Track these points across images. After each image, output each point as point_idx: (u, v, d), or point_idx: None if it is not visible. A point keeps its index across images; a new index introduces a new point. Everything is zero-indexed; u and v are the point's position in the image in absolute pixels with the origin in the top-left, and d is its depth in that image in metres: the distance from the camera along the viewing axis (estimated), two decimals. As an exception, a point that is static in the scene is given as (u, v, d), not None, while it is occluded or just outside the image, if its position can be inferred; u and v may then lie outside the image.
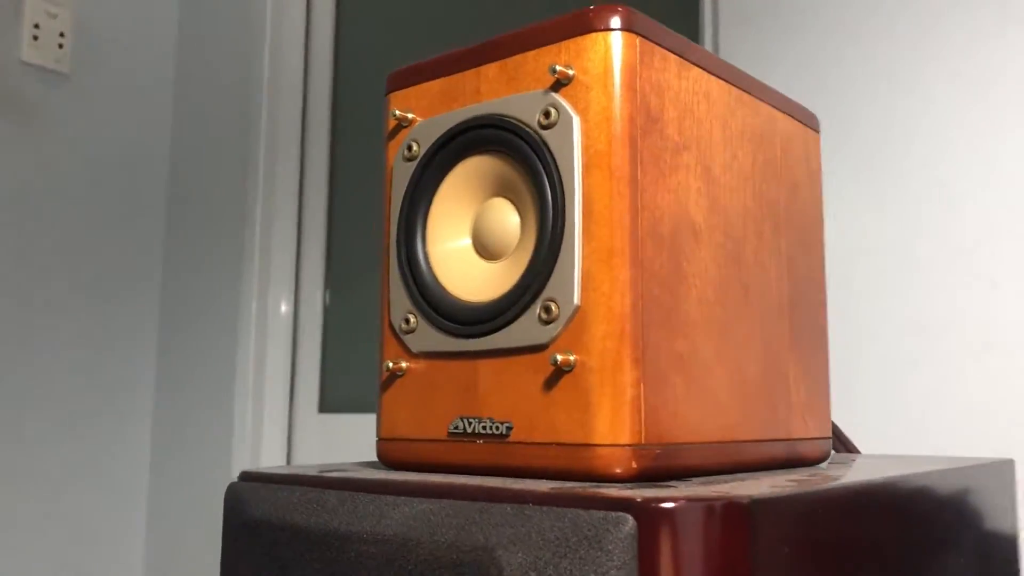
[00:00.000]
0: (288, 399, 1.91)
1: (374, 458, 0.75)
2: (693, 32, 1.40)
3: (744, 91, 0.64)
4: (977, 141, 1.05)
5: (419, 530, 0.47)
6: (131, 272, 1.96)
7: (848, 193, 1.12)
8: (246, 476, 0.61)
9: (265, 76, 1.90)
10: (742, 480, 0.54)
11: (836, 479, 0.57)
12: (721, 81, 0.62)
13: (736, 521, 0.44)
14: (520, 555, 0.43)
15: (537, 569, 0.43)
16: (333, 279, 1.91)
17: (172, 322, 1.97)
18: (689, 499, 0.43)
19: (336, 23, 1.99)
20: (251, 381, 1.84)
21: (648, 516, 0.43)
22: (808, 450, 0.67)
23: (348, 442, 1.80)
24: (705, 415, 0.56)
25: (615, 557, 0.42)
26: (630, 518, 0.42)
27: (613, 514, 0.43)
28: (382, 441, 0.62)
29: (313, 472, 0.59)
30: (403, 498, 0.50)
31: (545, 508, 0.45)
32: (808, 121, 0.72)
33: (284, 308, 1.91)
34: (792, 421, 0.66)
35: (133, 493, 1.92)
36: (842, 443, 0.87)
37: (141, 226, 1.98)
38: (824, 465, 0.69)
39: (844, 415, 1.00)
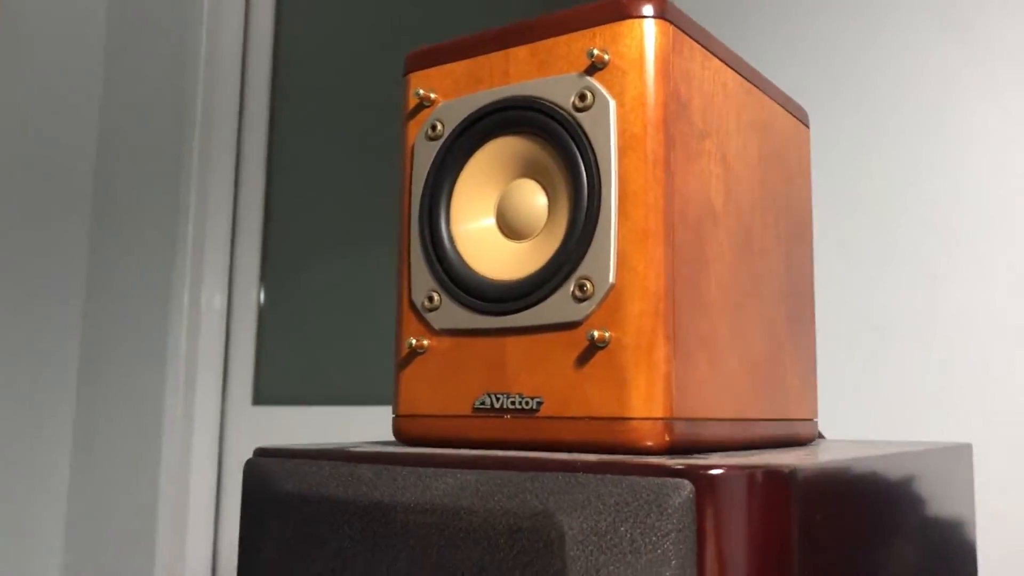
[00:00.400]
0: (221, 391, 1.87)
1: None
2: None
3: (753, 84, 0.67)
4: (946, 146, 1.11)
5: (469, 499, 0.48)
6: (55, 263, 1.89)
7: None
8: (263, 452, 0.60)
9: (201, 60, 1.86)
10: (760, 454, 0.56)
11: (845, 456, 0.60)
12: (735, 73, 0.64)
13: (779, 487, 0.46)
14: (580, 519, 0.45)
15: (597, 533, 0.44)
16: (269, 272, 1.89)
17: (99, 312, 1.91)
18: (739, 467, 0.45)
19: (277, 7, 1.96)
20: (182, 373, 1.80)
21: (705, 482, 0.44)
22: (802, 430, 0.70)
23: (282, 435, 1.78)
24: (723, 393, 0.59)
25: (675, 520, 0.43)
26: (688, 483, 0.44)
27: (672, 480, 0.44)
28: (400, 418, 0.62)
29: (334, 447, 0.59)
30: (445, 469, 0.51)
31: (599, 476, 0.46)
32: (801, 116, 0.76)
33: (217, 300, 1.87)
34: (789, 402, 0.69)
35: (53, 487, 1.85)
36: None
37: (66, 216, 1.91)
38: (815, 444, 0.73)
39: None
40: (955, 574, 0.77)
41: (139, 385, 1.82)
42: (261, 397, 1.86)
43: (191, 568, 1.76)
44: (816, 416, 0.74)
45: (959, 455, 0.84)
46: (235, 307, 1.89)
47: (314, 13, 1.92)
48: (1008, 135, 1.06)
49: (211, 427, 1.84)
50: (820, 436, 0.89)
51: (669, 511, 0.43)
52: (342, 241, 1.79)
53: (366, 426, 1.65)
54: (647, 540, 0.43)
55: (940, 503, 0.75)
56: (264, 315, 1.88)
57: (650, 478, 0.45)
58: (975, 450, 1.03)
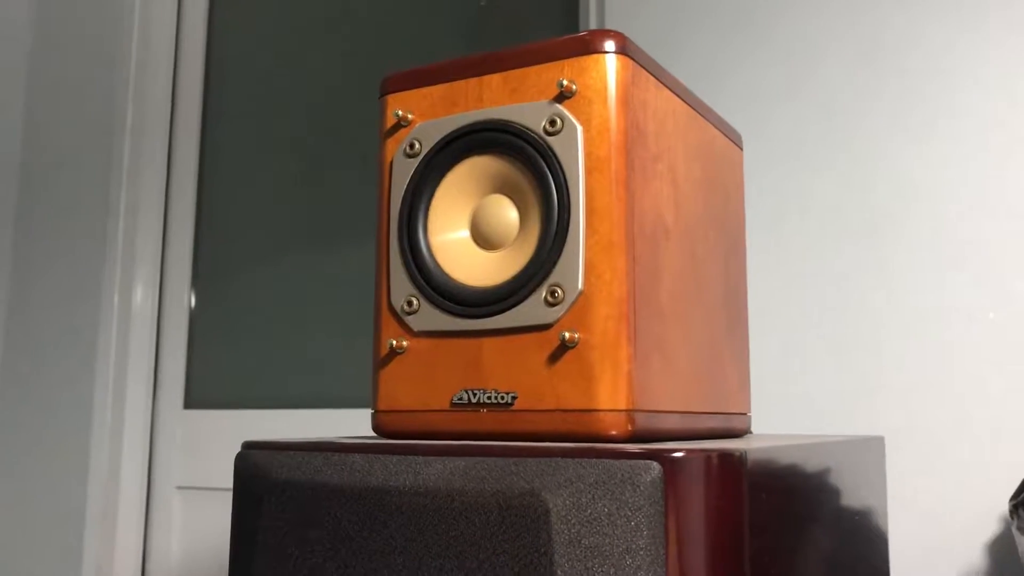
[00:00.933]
0: (151, 395, 1.87)
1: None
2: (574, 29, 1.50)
3: (696, 111, 0.74)
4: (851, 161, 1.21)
5: (459, 482, 0.54)
6: (-15, 260, 1.86)
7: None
8: (252, 445, 0.65)
9: (132, 58, 1.86)
10: (708, 443, 0.64)
11: (778, 444, 0.68)
12: (682, 101, 0.72)
13: (732, 468, 0.54)
14: (562, 497, 0.51)
15: (579, 508, 0.50)
16: (201, 274, 1.90)
17: (24, 314, 1.89)
18: (699, 450, 0.52)
19: (209, 5, 1.97)
20: (111, 376, 1.80)
21: (670, 463, 0.51)
22: (737, 423, 0.78)
23: (214, 439, 1.79)
24: (674, 389, 0.66)
25: (647, 496, 0.50)
26: (657, 464, 0.51)
27: (643, 462, 0.51)
28: (380, 413, 0.67)
29: (323, 440, 0.64)
30: (434, 457, 0.56)
31: (577, 459, 0.52)
32: (736, 139, 0.84)
33: (148, 301, 1.87)
34: (728, 397, 0.76)
35: (-18, 492, 1.83)
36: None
37: (-4, 212, 1.89)
38: (748, 436, 0.81)
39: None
40: (869, 552, 0.86)
41: (67, 389, 1.81)
42: (192, 401, 1.87)
43: (119, 574, 1.75)
44: (749, 410, 0.82)
45: (872, 447, 0.93)
46: (166, 309, 1.89)
47: (246, 12, 1.94)
48: (921, 147, 1.17)
49: (141, 431, 1.84)
50: (750, 429, 0.98)
51: (641, 488, 0.50)
52: (274, 243, 1.82)
53: (300, 430, 1.68)
54: (622, 513, 0.50)
55: (856, 490, 0.84)
56: (195, 317, 1.89)
57: (623, 460, 0.51)
58: (887, 441, 1.13)
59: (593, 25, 1.41)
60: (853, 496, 0.82)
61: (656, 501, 0.50)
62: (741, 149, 0.85)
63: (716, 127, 0.79)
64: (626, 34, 1.34)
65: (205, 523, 1.76)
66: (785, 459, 0.63)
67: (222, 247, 1.88)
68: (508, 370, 0.62)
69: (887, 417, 1.14)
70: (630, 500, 0.50)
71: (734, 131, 0.84)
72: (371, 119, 1.68)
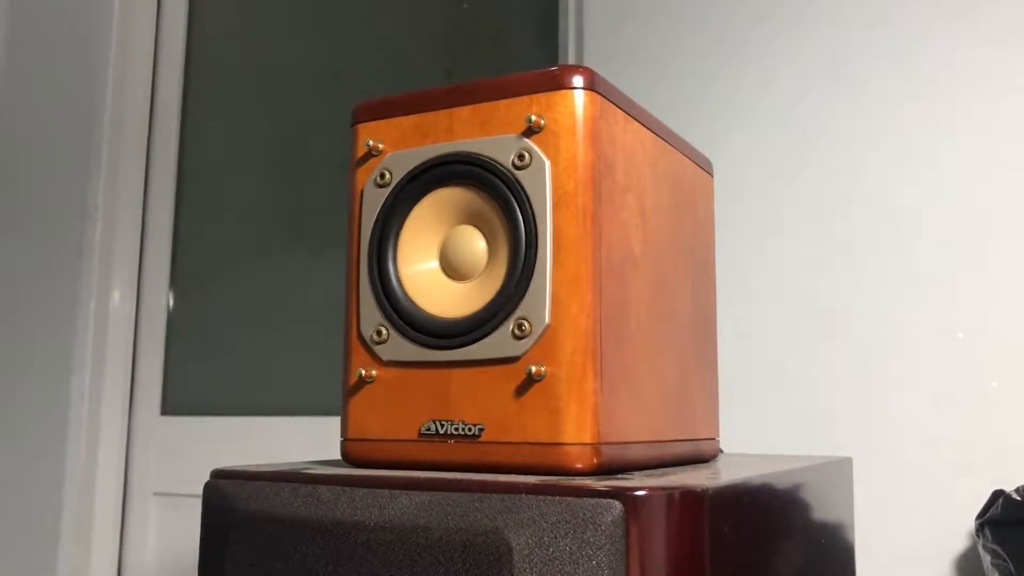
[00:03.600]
0: (128, 401, 1.87)
1: (232, 463, 0.80)
2: (553, 52, 1.51)
3: (664, 140, 0.75)
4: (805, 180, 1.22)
5: (425, 518, 0.54)
6: (-41, 265, 1.85)
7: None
8: (220, 474, 0.65)
9: (111, 60, 1.85)
10: (674, 472, 0.64)
11: (745, 473, 0.68)
12: (651, 132, 0.72)
13: (694, 504, 0.54)
14: (525, 535, 0.51)
15: (541, 547, 0.51)
16: (179, 278, 1.89)
17: (1, 318, 1.88)
18: (660, 488, 0.53)
19: (190, 6, 1.96)
20: (88, 382, 1.79)
21: (631, 502, 0.52)
22: (706, 448, 0.79)
23: (192, 445, 1.79)
24: (641, 419, 0.67)
25: (608, 535, 0.51)
26: (618, 503, 0.51)
27: (604, 500, 0.52)
28: (349, 441, 0.68)
29: (290, 469, 0.64)
30: (400, 491, 0.57)
31: (540, 496, 0.53)
32: (706, 166, 0.84)
33: (125, 306, 1.86)
34: (696, 423, 0.77)
35: (-44, 499, 1.82)
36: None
37: (-28, 217, 1.87)
38: (717, 461, 0.81)
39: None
40: (835, 573, 0.87)
41: (42, 394, 1.80)
42: (170, 407, 1.86)
43: (95, 581, 1.75)
44: (718, 435, 0.83)
45: (840, 468, 0.95)
46: (143, 314, 1.88)
47: (227, 14, 1.93)
48: (895, 171, 1.18)
49: (117, 438, 1.83)
50: (720, 451, 0.99)
51: (603, 527, 0.51)
52: (253, 248, 1.81)
53: (277, 437, 1.68)
54: (584, 553, 0.51)
55: (823, 512, 0.85)
56: (173, 323, 1.88)
57: (585, 499, 0.52)
58: (856, 461, 1.14)
59: (572, 41, 1.42)
60: (820, 518, 0.83)
61: (617, 540, 0.51)
62: (711, 175, 0.86)
63: (685, 155, 0.80)
64: (604, 51, 1.35)
65: (182, 530, 1.76)
66: (749, 489, 0.64)
67: (201, 252, 1.88)
68: (475, 402, 0.63)
69: (857, 436, 1.15)
70: (591, 539, 0.51)
71: (704, 158, 0.84)
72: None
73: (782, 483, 0.73)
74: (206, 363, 1.83)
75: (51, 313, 1.82)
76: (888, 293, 1.16)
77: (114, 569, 1.79)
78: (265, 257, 1.80)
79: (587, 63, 1.37)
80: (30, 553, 1.75)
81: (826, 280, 1.20)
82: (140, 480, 1.82)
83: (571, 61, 1.42)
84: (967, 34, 1.16)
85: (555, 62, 1.48)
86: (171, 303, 1.89)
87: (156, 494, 1.80)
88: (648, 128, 0.72)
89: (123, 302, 1.86)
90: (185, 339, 1.86)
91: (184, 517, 1.75)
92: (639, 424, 0.66)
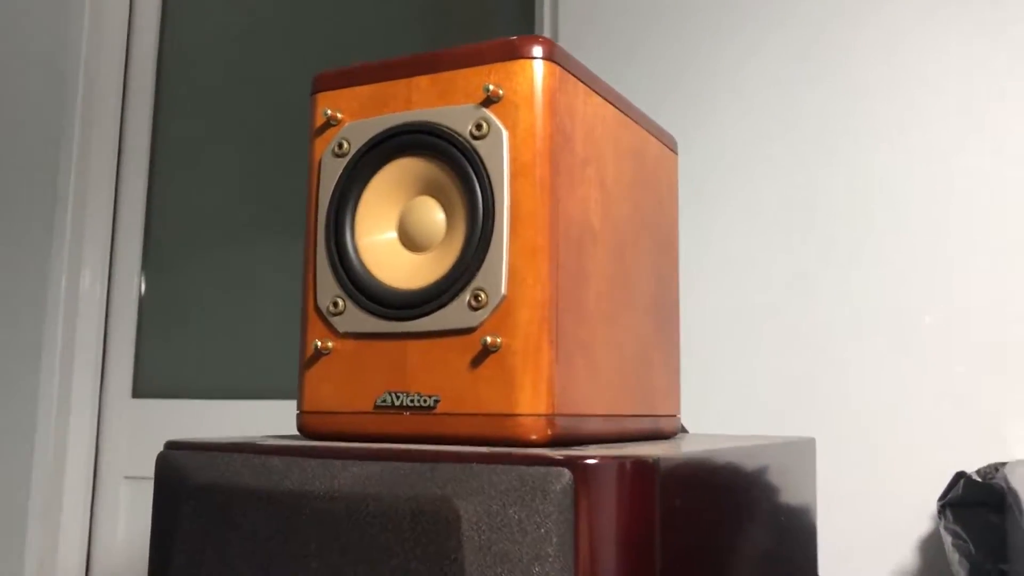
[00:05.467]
0: (99, 383, 1.85)
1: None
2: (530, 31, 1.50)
3: (628, 116, 0.75)
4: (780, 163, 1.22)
5: (375, 487, 0.54)
6: (-74, 244, 1.83)
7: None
8: (173, 445, 0.64)
9: (84, 42, 1.83)
10: (630, 446, 0.64)
11: (703, 448, 0.68)
12: (613, 107, 0.72)
13: (645, 475, 0.54)
14: (474, 503, 0.51)
15: (490, 515, 0.51)
16: (150, 261, 1.88)
17: (-29, 299, 1.86)
18: (612, 457, 0.53)
19: (163, -6, 1.94)
20: (58, 364, 1.77)
21: (582, 471, 0.52)
22: (666, 425, 0.79)
23: (163, 428, 1.77)
24: (598, 392, 0.66)
25: (556, 503, 0.50)
26: (568, 472, 0.51)
27: (554, 469, 0.51)
28: (305, 414, 0.67)
29: (244, 441, 0.63)
30: (351, 461, 0.56)
31: (491, 466, 0.53)
32: (670, 144, 0.84)
33: (96, 288, 1.85)
34: (656, 400, 0.77)
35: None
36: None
37: (-61, 196, 1.85)
38: (677, 438, 0.81)
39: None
40: (796, 552, 0.87)
41: (13, 376, 1.78)
42: (141, 389, 1.85)
43: (63, 565, 1.74)
44: (679, 412, 0.83)
45: (803, 449, 0.95)
46: (114, 296, 1.87)
47: (200, 2, 1.92)
48: (866, 153, 1.19)
49: (88, 419, 1.82)
50: (683, 430, 0.99)
51: (551, 496, 0.50)
52: (226, 232, 1.80)
53: (249, 420, 1.67)
54: (532, 521, 0.50)
55: (784, 491, 0.85)
56: (145, 305, 1.87)
57: (536, 467, 0.52)
58: (820, 442, 1.14)
59: (547, 19, 1.41)
60: (780, 497, 0.83)
61: (566, 509, 0.50)
62: (676, 153, 0.85)
63: (649, 132, 0.79)
64: (579, 30, 1.34)
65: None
66: (703, 464, 0.64)
67: (173, 234, 1.86)
68: (431, 373, 0.63)
69: (822, 419, 1.16)
70: (540, 508, 0.50)
71: (668, 135, 0.84)
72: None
73: (739, 460, 0.73)
74: (178, 346, 1.82)
75: (21, 295, 1.80)
76: (856, 276, 1.17)
77: (83, 552, 1.78)
78: (237, 240, 1.79)
79: (562, 42, 1.37)
80: (-3, 535, 1.74)
81: (793, 262, 1.20)
82: (110, 463, 1.80)
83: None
84: (943, 25, 1.17)
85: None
86: (143, 285, 1.87)
87: (127, 478, 1.79)
88: (610, 103, 0.72)
89: (94, 284, 1.84)
90: (157, 321, 1.85)
91: (154, 500, 1.74)
92: (596, 397, 0.66)
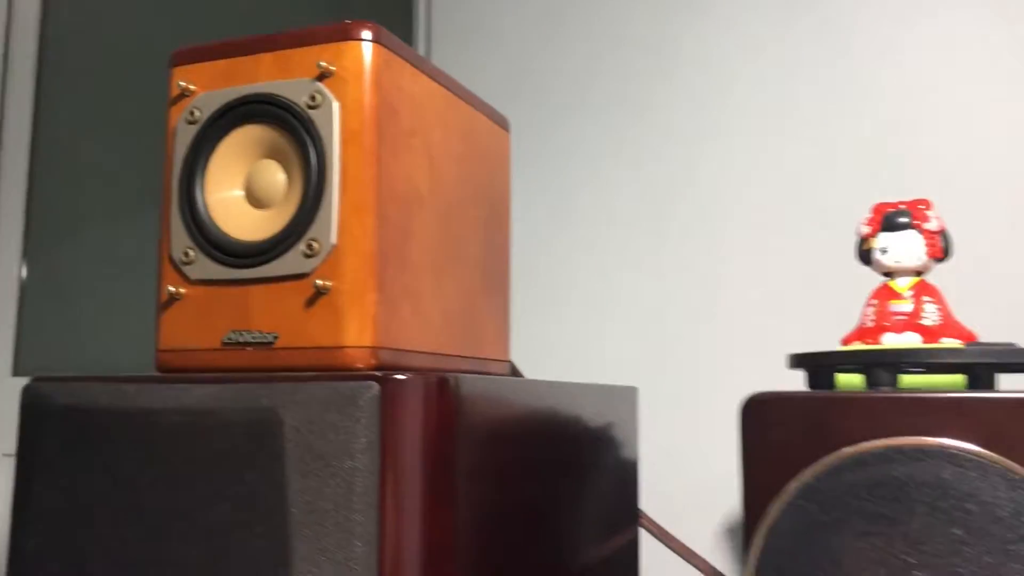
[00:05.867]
0: (-22, 362, 1.86)
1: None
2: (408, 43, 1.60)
3: (457, 96, 0.85)
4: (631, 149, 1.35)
5: (214, 403, 0.63)
6: None
7: (534, 183, 1.38)
8: (39, 379, 0.72)
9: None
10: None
11: (513, 381, 0.79)
12: (441, 87, 0.82)
13: (444, 391, 0.65)
14: (297, 412, 0.61)
15: (311, 421, 0.60)
16: (32, 239, 1.90)
17: None
18: (416, 376, 0.63)
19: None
20: (-66, 343, 1.78)
21: (388, 383, 0.62)
22: (494, 368, 0.90)
23: (44, 406, 1.80)
24: (423, 332, 0.77)
25: (366, 410, 0.60)
26: (376, 384, 0.61)
27: (365, 383, 0.61)
28: (160, 352, 0.75)
29: (102, 374, 0.71)
30: (196, 385, 0.65)
31: (314, 383, 0.62)
32: (501, 123, 0.95)
33: (-25, 269, 1.86)
34: (484, 345, 0.88)
35: None
36: (512, 370, 1.11)
37: None
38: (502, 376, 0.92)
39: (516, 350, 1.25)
40: (618, 489, 1.00)
41: None
42: (22, 368, 1.87)
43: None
44: (507, 357, 0.93)
45: (625, 396, 1.07)
46: (-6, 278, 1.88)
47: (84, -11, 1.94)
48: (691, 144, 1.32)
49: (-34, 398, 1.83)
50: (517, 373, 1.10)
51: (361, 403, 0.60)
52: (107, 212, 1.84)
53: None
54: (345, 425, 0.60)
55: (603, 431, 0.97)
56: (26, 283, 1.89)
57: (350, 382, 0.62)
58: (643, 392, 1.27)
59: (423, 14, 1.51)
60: (596, 436, 0.95)
61: (373, 415, 0.61)
62: (507, 132, 0.96)
63: (480, 111, 0.90)
64: (451, 23, 1.44)
65: (31, 489, 1.77)
66: (494, 391, 0.75)
67: (55, 212, 1.88)
68: (271, 314, 0.72)
69: (648, 368, 1.29)
70: (351, 413, 0.60)
71: (501, 116, 0.95)
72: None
73: (546, 394, 0.84)
74: (58, 324, 1.85)
75: None
76: (671, 232, 1.30)
77: (-39, 530, 1.79)
78: (118, 221, 1.82)
79: (435, 33, 1.46)
80: None
81: (623, 231, 1.33)
82: (-11, 440, 1.82)
83: (421, 32, 1.51)
84: (786, 13, 1.31)
85: (409, 34, 1.57)
86: (24, 264, 1.89)
87: (7, 455, 1.81)
88: (439, 83, 0.82)
89: (-27, 264, 1.85)
90: (38, 301, 1.87)
91: (34, 475, 1.76)
92: (420, 337, 0.76)
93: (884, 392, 0.56)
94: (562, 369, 1.33)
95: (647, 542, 1.25)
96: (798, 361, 0.71)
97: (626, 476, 1.04)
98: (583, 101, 1.38)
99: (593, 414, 0.95)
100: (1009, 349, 0.62)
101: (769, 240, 1.27)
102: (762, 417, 0.61)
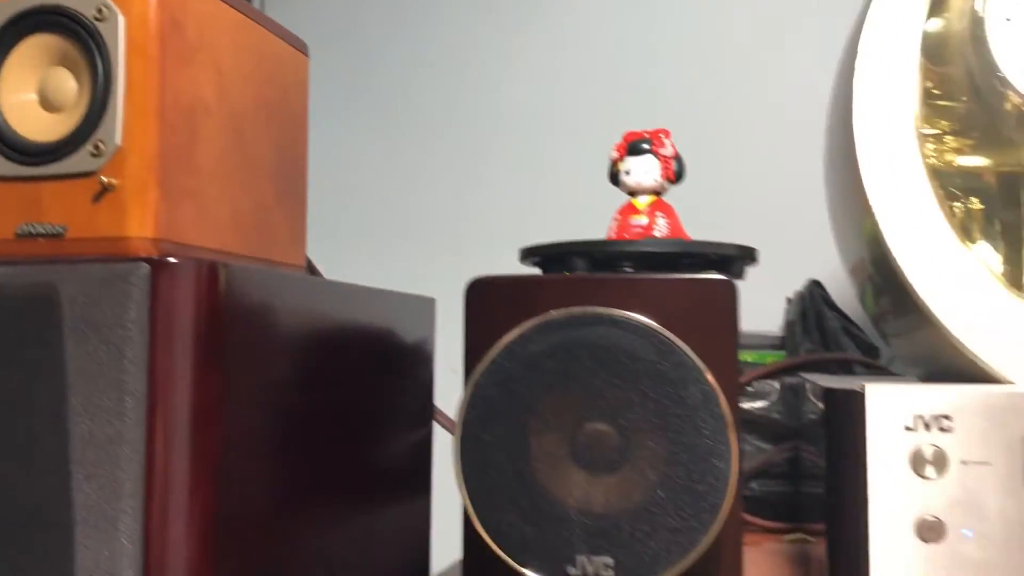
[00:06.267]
0: None
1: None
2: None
3: (250, 18, 0.93)
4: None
5: (4, 280, 0.70)
6: None
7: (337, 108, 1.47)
8: None
9: None
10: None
11: (298, 277, 0.89)
12: (233, 9, 0.90)
13: (210, 275, 0.74)
14: (73, 286, 0.69)
15: (86, 295, 0.69)
16: None
17: None
18: (182, 258, 0.72)
19: None
20: None
21: (157, 265, 0.71)
22: (286, 271, 0.99)
23: None
24: (209, 232, 0.85)
25: (137, 288, 0.69)
26: (147, 265, 0.70)
27: (136, 263, 0.70)
28: (-45, 244, 0.82)
29: None
30: (-17, 267, 0.72)
31: (91, 263, 0.71)
32: (300, 47, 1.03)
33: None
34: (275, 249, 0.97)
35: None
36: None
37: None
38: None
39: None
40: (409, 396, 1.11)
41: None
42: None
43: None
44: (302, 263, 1.03)
45: (421, 306, 1.18)
46: None
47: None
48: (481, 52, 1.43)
49: None
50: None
51: (132, 280, 0.69)
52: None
53: None
54: (118, 300, 0.69)
55: (395, 344, 1.08)
56: None
57: (125, 263, 0.70)
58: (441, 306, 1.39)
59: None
60: (388, 349, 1.06)
61: (143, 291, 0.69)
62: (306, 56, 1.05)
63: (276, 35, 0.98)
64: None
65: None
66: (286, 285, 0.85)
67: None
68: (61, 208, 0.79)
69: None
70: (123, 289, 0.69)
71: (300, 41, 1.03)
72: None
73: (323, 293, 0.94)
74: None
75: None
76: (471, 145, 1.42)
77: None
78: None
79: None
80: None
81: (423, 135, 1.44)
82: None
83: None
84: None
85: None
86: None
87: None
88: (232, 7, 0.90)
89: None
90: None
91: None
92: (205, 235, 0.85)
93: (578, 276, 0.69)
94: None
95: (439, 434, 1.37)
96: (525, 253, 0.84)
97: (422, 386, 1.15)
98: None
99: (382, 319, 1.06)
100: (674, 240, 0.76)
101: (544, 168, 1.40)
102: (480, 295, 0.73)
